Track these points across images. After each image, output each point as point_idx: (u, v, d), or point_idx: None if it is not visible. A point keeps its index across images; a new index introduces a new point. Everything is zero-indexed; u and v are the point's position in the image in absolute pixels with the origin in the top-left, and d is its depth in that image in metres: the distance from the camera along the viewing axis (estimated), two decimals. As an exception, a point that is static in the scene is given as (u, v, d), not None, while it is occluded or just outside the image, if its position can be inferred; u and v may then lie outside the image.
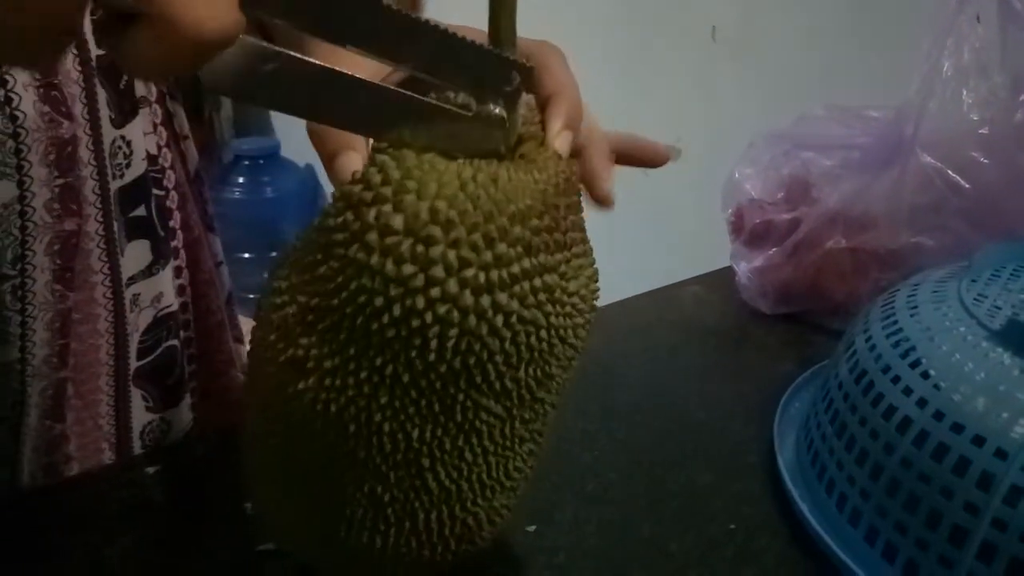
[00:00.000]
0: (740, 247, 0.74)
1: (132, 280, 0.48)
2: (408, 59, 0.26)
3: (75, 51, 0.43)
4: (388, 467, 0.29)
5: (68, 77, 0.42)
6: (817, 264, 0.69)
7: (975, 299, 0.45)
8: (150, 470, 0.47)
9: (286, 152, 2.27)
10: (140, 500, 0.46)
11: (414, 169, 0.27)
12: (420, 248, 0.26)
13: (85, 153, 0.44)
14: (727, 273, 0.76)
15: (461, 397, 0.28)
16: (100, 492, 0.46)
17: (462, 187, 0.27)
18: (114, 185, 0.46)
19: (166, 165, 0.51)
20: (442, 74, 0.27)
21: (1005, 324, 0.41)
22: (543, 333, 0.28)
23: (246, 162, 2.24)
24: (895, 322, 0.46)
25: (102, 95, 0.45)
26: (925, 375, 0.41)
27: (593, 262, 0.32)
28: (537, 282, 0.28)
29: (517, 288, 0.27)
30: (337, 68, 0.25)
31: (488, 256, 0.26)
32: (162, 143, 0.50)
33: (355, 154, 0.29)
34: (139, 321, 0.50)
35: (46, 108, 0.41)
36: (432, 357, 0.27)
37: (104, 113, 0.45)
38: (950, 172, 0.62)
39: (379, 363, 0.27)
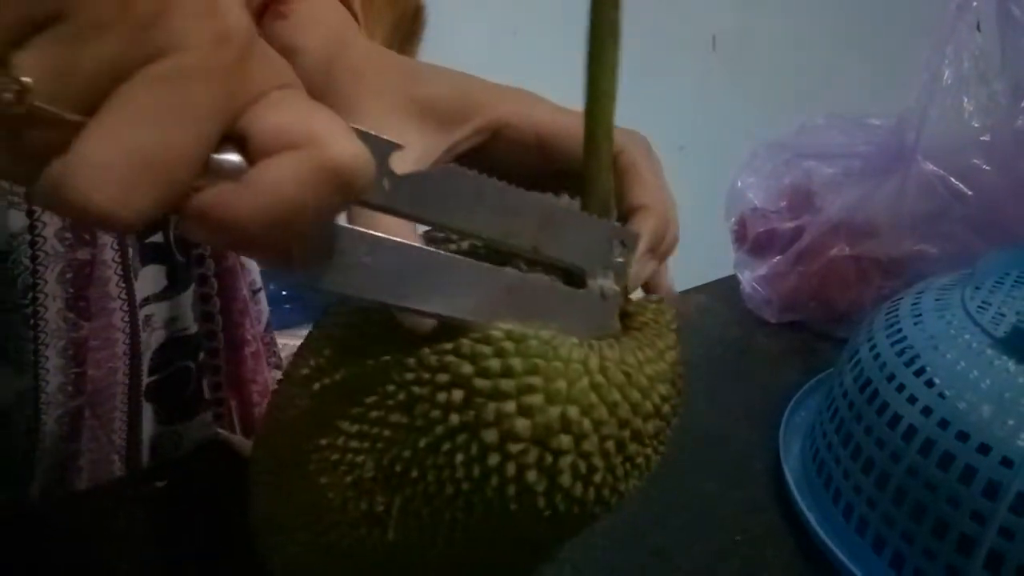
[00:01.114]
0: (744, 256, 0.74)
1: (146, 301, 0.49)
2: (512, 235, 0.25)
3: None
4: None
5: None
6: (821, 272, 0.69)
7: (979, 307, 0.45)
8: (159, 484, 0.47)
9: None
10: (148, 516, 0.46)
11: (538, 360, 0.24)
12: (548, 458, 0.24)
13: None
14: (731, 282, 0.76)
15: (557, 547, 0.29)
16: (108, 507, 0.46)
17: (594, 387, 0.24)
18: None
19: None
20: (548, 248, 0.25)
21: (1009, 331, 0.41)
22: (642, 482, 0.28)
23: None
24: (899, 330, 0.46)
25: None
26: (930, 383, 0.41)
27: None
28: (655, 457, 0.27)
29: (636, 472, 0.26)
30: (441, 251, 0.23)
31: (619, 460, 0.25)
32: None
33: None
34: (151, 340, 0.50)
35: None
36: (541, 535, 0.26)
37: None
38: (952, 179, 0.63)
39: (478, 533, 0.26)
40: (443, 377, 0.24)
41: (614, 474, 0.25)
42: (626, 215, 0.30)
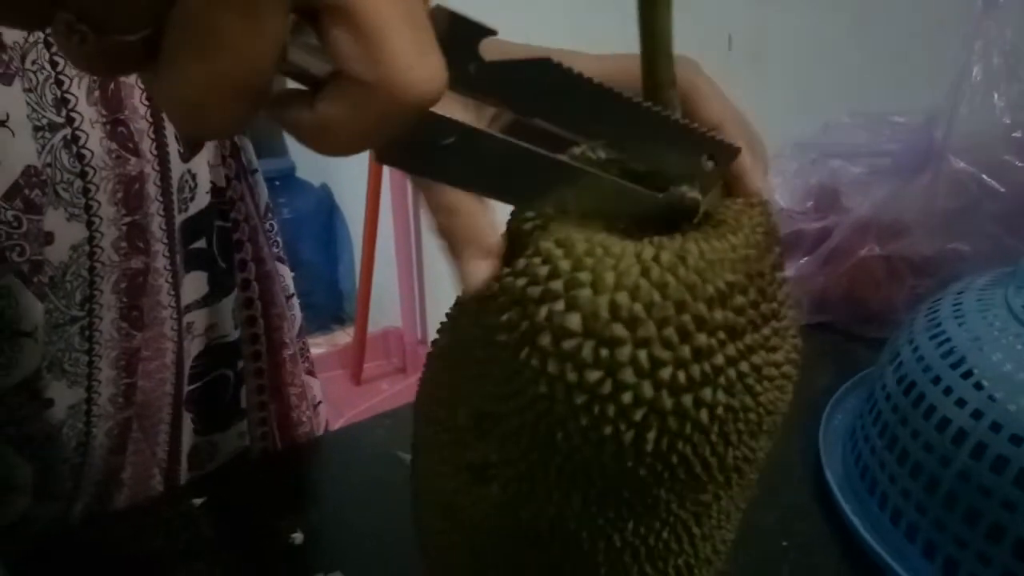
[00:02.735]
0: (771, 257, 0.73)
1: (187, 309, 0.49)
2: (598, 134, 0.24)
3: (142, 85, 0.42)
4: (586, 569, 0.27)
5: (135, 112, 0.42)
6: (851, 272, 0.68)
7: (1023, 305, 0.45)
8: (196, 502, 0.47)
9: (301, 173, 2.29)
10: (187, 533, 0.46)
11: (585, 257, 0.23)
12: (604, 351, 0.22)
13: (152, 189, 0.44)
14: (759, 283, 0.75)
15: (664, 494, 0.25)
16: (148, 525, 0.46)
17: (644, 273, 0.23)
18: (179, 219, 0.46)
19: (236, 197, 0.50)
20: (633, 151, 0.24)
21: (1057, 332, 0.41)
22: (752, 415, 0.25)
23: (262, 183, 2.25)
24: (942, 331, 0.46)
25: (170, 129, 0.44)
26: (978, 386, 0.41)
27: (793, 314, 0.27)
28: (744, 366, 0.24)
29: (722, 379, 0.23)
30: (523, 143, 0.22)
31: (685, 351, 0.23)
32: (231, 175, 0.50)
33: (480, 251, 0.25)
34: (191, 348, 0.50)
35: (113, 145, 0.41)
36: (629, 463, 0.24)
37: (173, 148, 0.45)
38: (984, 176, 0.62)
39: (568, 470, 0.24)
40: (503, 300, 0.24)
41: (687, 374, 0.23)
42: None
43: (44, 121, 0.38)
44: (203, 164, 0.47)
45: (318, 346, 2.13)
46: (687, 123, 0.25)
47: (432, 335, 0.30)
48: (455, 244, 0.25)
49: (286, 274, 0.56)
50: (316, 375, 0.60)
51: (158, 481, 0.49)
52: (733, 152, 0.26)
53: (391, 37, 0.17)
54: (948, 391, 0.42)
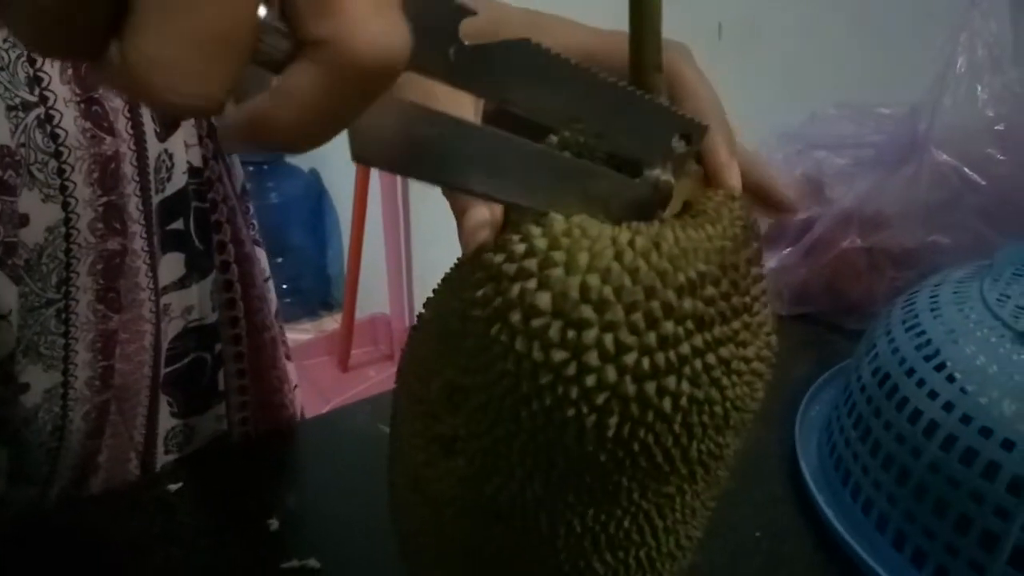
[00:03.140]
0: (754, 248, 0.73)
1: (164, 291, 0.48)
2: (577, 119, 0.23)
3: None
4: (546, 551, 0.27)
5: (110, 91, 0.41)
6: (832, 264, 0.68)
7: (998, 299, 0.45)
8: (172, 487, 0.47)
9: (290, 158, 2.27)
10: (164, 519, 0.45)
11: (562, 238, 0.23)
12: (571, 332, 0.23)
13: (129, 169, 0.43)
14: (741, 274, 0.75)
15: (625, 482, 0.25)
16: (124, 510, 0.46)
17: (617, 257, 0.23)
18: (156, 199, 0.46)
19: (214, 177, 0.50)
20: (612, 135, 0.24)
21: (1030, 326, 0.41)
22: (717, 408, 0.25)
23: (250, 168, 2.24)
24: (918, 324, 0.46)
25: (146, 108, 0.43)
26: (951, 378, 0.41)
27: (769, 312, 0.27)
28: (711, 358, 0.24)
29: (687, 369, 0.23)
30: (492, 128, 0.22)
31: (651, 338, 0.23)
32: (208, 155, 0.49)
33: (483, 208, 0.25)
34: (168, 330, 0.49)
35: (88, 124, 0.40)
36: (590, 447, 0.24)
37: (149, 127, 0.44)
38: (966, 169, 0.62)
39: (531, 449, 0.24)
40: (480, 276, 0.24)
41: (652, 361, 0.23)
42: None
43: (17, 100, 0.38)
44: (180, 144, 0.47)
45: (305, 332, 2.13)
46: (656, 101, 0.25)
47: (420, 322, 0.30)
48: (460, 206, 0.25)
49: (262, 257, 0.56)
50: (291, 359, 0.60)
51: (134, 465, 0.49)
52: (701, 130, 0.26)
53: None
54: (921, 383, 0.42)
